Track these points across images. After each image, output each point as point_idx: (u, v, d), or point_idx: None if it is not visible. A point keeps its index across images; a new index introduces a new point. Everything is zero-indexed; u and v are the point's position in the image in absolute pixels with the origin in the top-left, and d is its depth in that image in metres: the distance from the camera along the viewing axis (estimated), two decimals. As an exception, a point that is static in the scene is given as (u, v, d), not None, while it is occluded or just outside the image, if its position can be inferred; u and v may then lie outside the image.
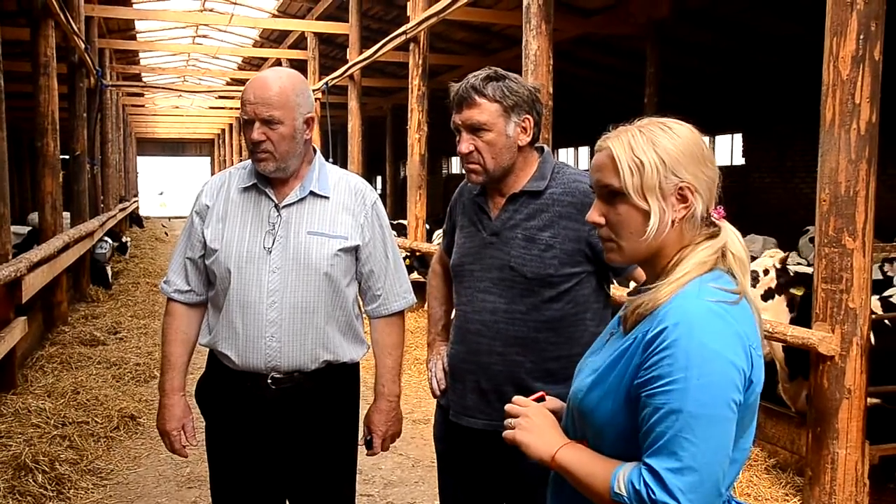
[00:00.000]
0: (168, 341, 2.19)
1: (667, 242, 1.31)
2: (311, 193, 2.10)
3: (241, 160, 2.20)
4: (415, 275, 7.74)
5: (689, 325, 1.20)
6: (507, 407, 1.44)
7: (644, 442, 1.22)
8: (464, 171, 2.07)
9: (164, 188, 27.52)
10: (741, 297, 1.27)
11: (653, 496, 1.17)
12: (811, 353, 3.36)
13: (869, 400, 3.37)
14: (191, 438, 2.21)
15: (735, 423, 1.21)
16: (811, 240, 8.33)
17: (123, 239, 13.35)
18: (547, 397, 1.52)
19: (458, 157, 2.05)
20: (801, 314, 4.07)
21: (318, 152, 2.19)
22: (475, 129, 1.97)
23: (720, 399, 1.18)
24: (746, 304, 1.29)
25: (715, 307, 1.22)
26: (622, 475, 1.23)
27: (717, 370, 1.18)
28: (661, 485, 1.17)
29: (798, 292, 4.14)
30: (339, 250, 2.08)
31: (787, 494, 3.69)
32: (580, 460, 1.32)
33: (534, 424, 1.39)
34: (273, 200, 2.09)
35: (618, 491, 1.22)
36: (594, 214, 1.36)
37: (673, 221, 1.30)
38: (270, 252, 2.05)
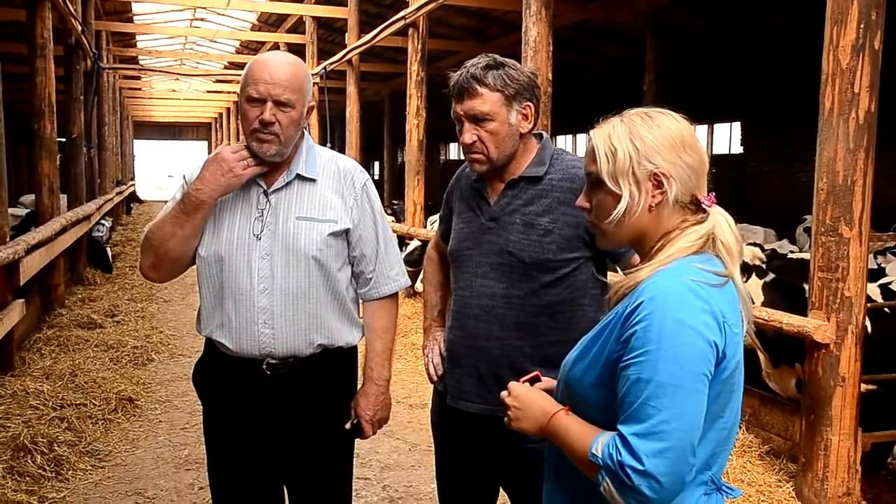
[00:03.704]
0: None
1: (646, 226, 1.38)
2: (298, 176, 2.07)
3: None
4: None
5: (664, 299, 1.26)
6: (501, 396, 1.53)
7: (619, 411, 1.27)
8: (465, 159, 2.06)
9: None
10: (726, 280, 1.30)
11: (619, 458, 1.22)
12: (806, 340, 3.38)
13: (864, 386, 3.40)
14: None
15: (706, 396, 1.24)
16: (806, 230, 8.35)
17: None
18: (542, 377, 1.57)
19: (460, 146, 2.03)
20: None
21: (307, 134, 2.15)
22: (478, 120, 1.96)
23: (689, 371, 1.23)
24: (732, 288, 1.33)
25: (692, 284, 1.27)
26: (602, 440, 1.28)
27: (687, 342, 1.23)
28: (628, 448, 1.22)
29: None
30: (329, 234, 2.05)
31: (780, 480, 3.72)
32: (566, 428, 1.38)
33: (522, 406, 1.47)
34: (261, 186, 2.07)
35: (594, 452, 1.28)
36: (582, 199, 1.46)
37: (650, 206, 1.36)
38: (260, 238, 2.03)
